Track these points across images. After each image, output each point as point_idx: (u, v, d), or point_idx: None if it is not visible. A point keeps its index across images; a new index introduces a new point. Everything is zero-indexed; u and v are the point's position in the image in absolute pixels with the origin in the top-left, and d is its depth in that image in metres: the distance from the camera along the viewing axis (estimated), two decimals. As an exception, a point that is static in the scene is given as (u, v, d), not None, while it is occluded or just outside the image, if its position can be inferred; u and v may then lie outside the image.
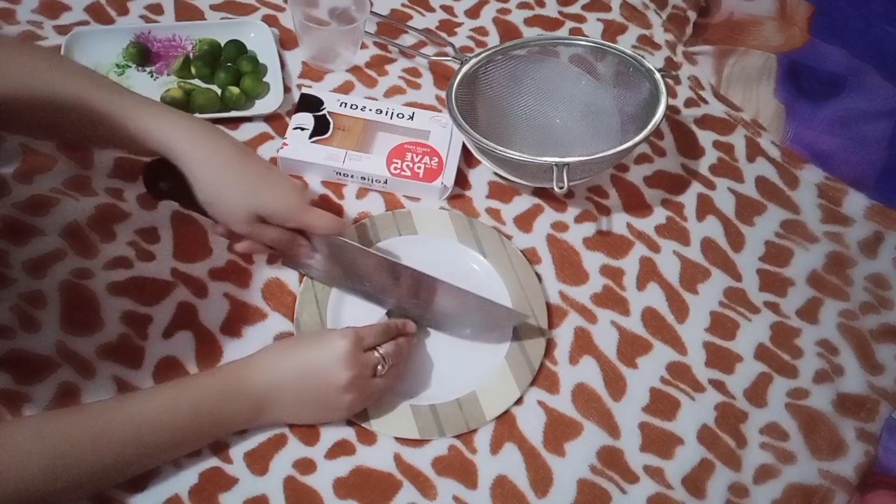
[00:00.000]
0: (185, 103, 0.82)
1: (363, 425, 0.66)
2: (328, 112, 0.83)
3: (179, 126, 0.65)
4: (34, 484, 0.52)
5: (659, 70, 0.80)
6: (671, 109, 0.92)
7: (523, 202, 0.83)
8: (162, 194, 0.70)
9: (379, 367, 0.63)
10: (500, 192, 0.83)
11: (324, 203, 0.80)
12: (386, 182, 0.80)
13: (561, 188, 0.72)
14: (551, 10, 1.01)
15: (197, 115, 0.82)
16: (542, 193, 0.83)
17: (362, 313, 0.72)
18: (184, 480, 0.62)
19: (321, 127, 0.82)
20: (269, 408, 0.62)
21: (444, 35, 0.94)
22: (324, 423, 0.66)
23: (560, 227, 0.81)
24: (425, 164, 0.81)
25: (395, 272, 0.71)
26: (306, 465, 0.64)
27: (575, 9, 1.02)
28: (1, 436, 0.53)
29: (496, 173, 0.83)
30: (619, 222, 0.83)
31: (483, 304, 0.70)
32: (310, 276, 0.73)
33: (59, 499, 0.55)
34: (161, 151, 0.65)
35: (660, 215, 0.84)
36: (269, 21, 0.92)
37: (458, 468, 0.66)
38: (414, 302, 0.71)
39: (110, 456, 0.56)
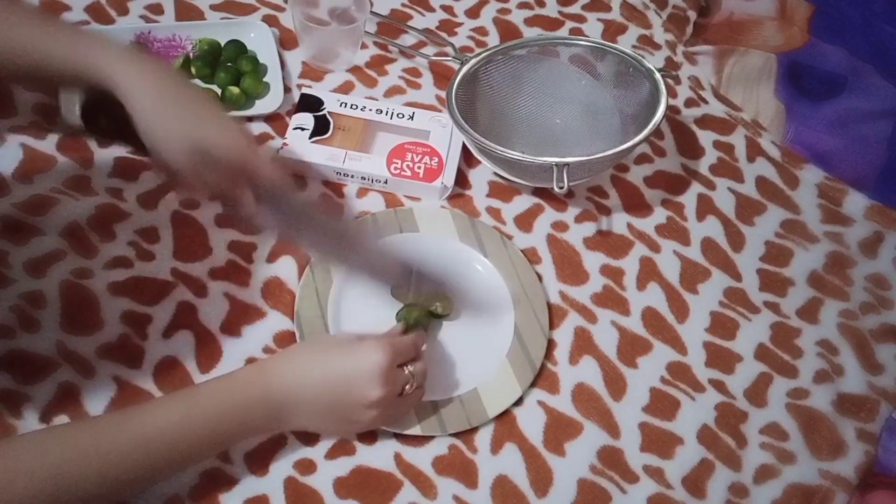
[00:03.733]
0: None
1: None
2: (328, 112, 0.83)
3: (119, 55, 0.61)
4: (39, 500, 0.50)
5: (659, 70, 0.80)
6: (671, 109, 0.92)
7: (523, 202, 0.83)
8: (101, 132, 0.67)
9: (407, 386, 0.61)
10: (501, 191, 0.83)
11: (324, 203, 0.80)
12: (386, 182, 0.80)
13: (561, 188, 0.72)
14: (551, 10, 1.01)
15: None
16: (543, 193, 0.83)
17: (363, 308, 0.72)
18: (184, 480, 0.62)
19: (321, 127, 0.82)
20: (287, 415, 0.59)
21: (444, 35, 0.94)
22: (337, 435, 0.65)
23: (560, 226, 0.81)
24: (425, 164, 0.81)
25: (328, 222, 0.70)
26: (306, 466, 0.64)
27: (575, 9, 1.02)
28: (4, 451, 0.51)
29: (496, 173, 0.83)
30: (620, 222, 0.83)
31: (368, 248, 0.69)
32: (252, 231, 0.71)
33: None
34: (100, 80, 0.61)
35: (660, 215, 0.84)
36: (269, 21, 0.92)
37: (459, 468, 0.66)
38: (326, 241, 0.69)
39: (118, 471, 0.54)
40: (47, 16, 0.63)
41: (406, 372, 0.61)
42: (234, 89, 0.83)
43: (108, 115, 0.64)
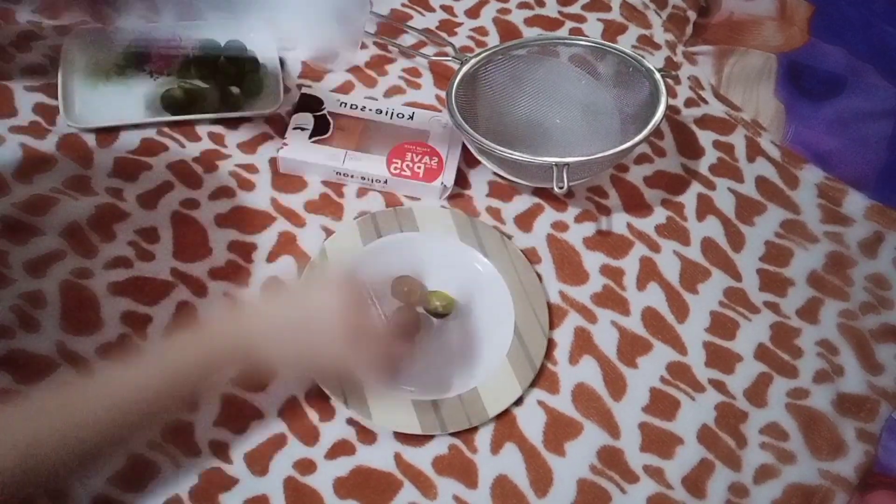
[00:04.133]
0: (185, 103, 0.82)
1: (364, 420, 0.66)
2: (328, 112, 0.84)
3: None
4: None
5: (659, 70, 0.80)
6: (671, 109, 0.92)
7: (523, 202, 0.83)
8: None
9: (373, 311, 0.62)
10: (501, 191, 0.83)
11: (324, 203, 0.80)
12: (386, 182, 0.80)
13: (561, 188, 0.72)
14: (551, 10, 1.01)
15: (198, 115, 0.82)
16: (542, 193, 0.83)
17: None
18: (184, 480, 0.62)
19: (321, 127, 0.82)
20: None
21: (444, 35, 0.94)
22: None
23: (560, 226, 0.82)
24: (425, 163, 0.81)
25: None
26: (306, 466, 0.64)
27: (575, 9, 1.02)
28: None
29: (496, 173, 0.83)
30: (619, 222, 0.83)
31: None
32: None
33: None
34: None
35: (660, 215, 0.84)
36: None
37: (459, 468, 0.66)
38: None
39: (89, 426, 0.54)
40: None
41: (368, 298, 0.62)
42: (234, 89, 0.83)
43: None
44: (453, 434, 0.67)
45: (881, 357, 0.77)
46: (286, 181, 0.80)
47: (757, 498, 0.68)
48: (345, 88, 0.89)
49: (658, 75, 0.79)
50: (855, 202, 0.87)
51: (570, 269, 0.79)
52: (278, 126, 0.84)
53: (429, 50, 0.93)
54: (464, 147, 0.83)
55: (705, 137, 0.91)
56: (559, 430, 0.69)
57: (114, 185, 0.77)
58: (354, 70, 0.91)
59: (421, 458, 0.66)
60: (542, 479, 0.66)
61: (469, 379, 0.70)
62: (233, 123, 0.83)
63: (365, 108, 0.84)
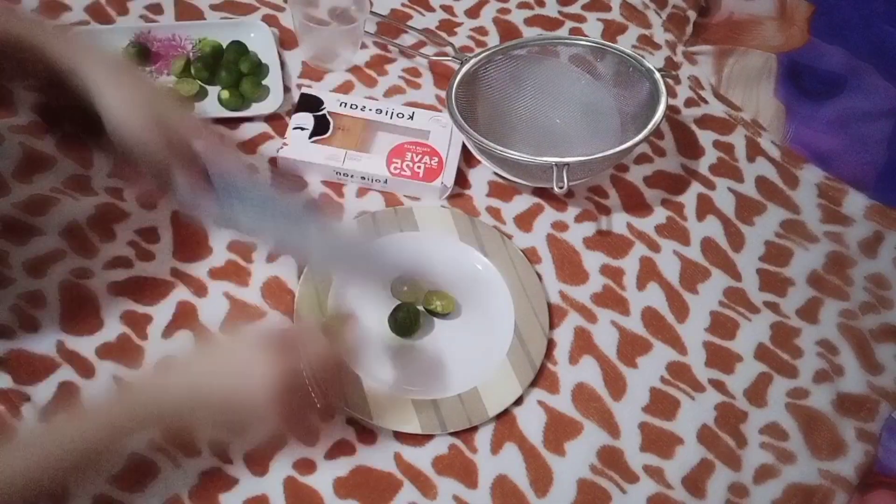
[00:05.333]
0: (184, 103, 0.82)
1: (364, 419, 0.66)
2: (328, 112, 0.83)
3: (84, 47, 0.64)
4: None
5: (659, 70, 0.80)
6: (671, 109, 0.92)
7: (523, 202, 0.83)
8: (60, 126, 0.67)
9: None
10: (500, 191, 0.83)
11: (324, 203, 0.80)
12: (386, 182, 0.80)
13: (561, 188, 0.72)
14: (551, 10, 1.01)
15: (198, 115, 0.82)
16: (542, 193, 0.83)
17: (365, 305, 0.72)
18: (184, 481, 0.62)
19: (321, 127, 0.82)
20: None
21: (444, 35, 0.94)
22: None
23: (560, 226, 0.81)
24: (425, 163, 0.81)
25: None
26: (306, 465, 0.64)
27: (575, 9, 1.02)
28: None
29: (496, 173, 0.83)
30: (619, 222, 0.83)
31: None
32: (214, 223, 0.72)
33: None
34: (66, 67, 0.62)
35: (660, 215, 0.84)
36: (269, 21, 0.92)
37: (459, 468, 0.66)
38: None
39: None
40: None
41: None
42: (225, 93, 0.83)
43: (71, 117, 0.65)
44: (453, 434, 0.67)
45: (881, 357, 0.77)
46: (286, 181, 0.80)
47: (757, 498, 0.68)
48: (345, 88, 0.89)
49: (658, 75, 0.79)
50: (855, 202, 0.87)
51: (570, 268, 0.79)
52: (278, 126, 0.84)
53: (429, 50, 0.93)
54: (464, 147, 0.83)
55: (705, 137, 0.91)
56: (559, 430, 0.69)
57: (114, 185, 0.77)
58: (354, 70, 0.91)
59: (421, 457, 0.66)
60: (542, 478, 0.66)
61: (469, 378, 0.70)
62: (233, 123, 0.83)
63: (365, 108, 0.84)
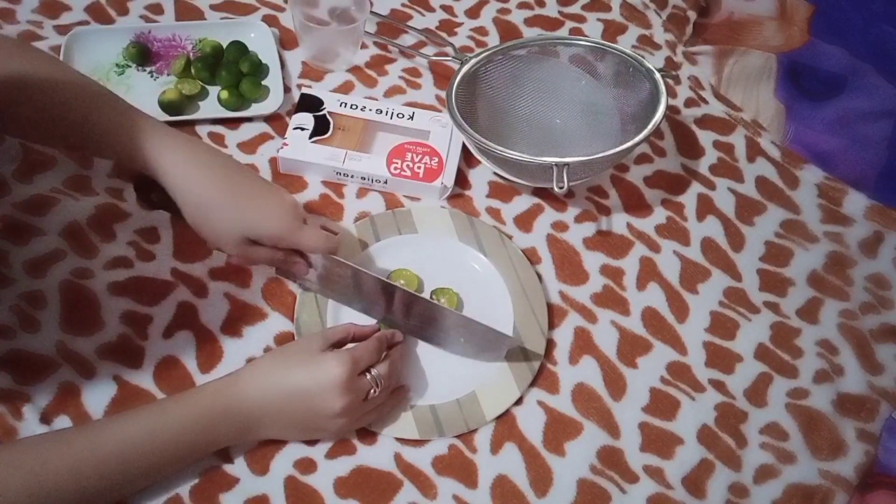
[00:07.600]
0: (179, 105, 0.82)
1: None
2: (328, 112, 0.84)
3: (167, 146, 0.63)
4: None
5: (659, 70, 0.80)
6: (671, 109, 0.92)
7: (523, 202, 0.83)
8: (154, 205, 0.69)
9: (372, 391, 0.62)
10: (500, 191, 0.83)
11: (324, 203, 0.80)
12: (386, 182, 0.80)
13: (561, 188, 0.72)
14: (551, 10, 1.01)
15: (198, 115, 0.82)
16: (542, 193, 0.83)
17: (362, 314, 0.72)
18: (184, 480, 0.62)
19: (321, 127, 0.82)
20: (256, 428, 0.61)
21: (444, 35, 0.94)
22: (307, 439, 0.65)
23: (560, 226, 0.82)
24: (425, 164, 0.81)
25: (389, 291, 0.69)
26: (307, 465, 0.64)
27: (575, 9, 1.02)
28: None
29: (496, 173, 0.83)
30: (619, 222, 0.83)
31: (477, 328, 0.69)
32: (305, 288, 0.72)
33: None
34: (149, 171, 0.64)
35: (660, 215, 0.84)
36: (269, 21, 0.92)
37: (459, 468, 0.66)
38: (407, 320, 0.70)
39: (93, 482, 0.55)
40: (94, 87, 0.65)
41: (368, 378, 0.62)
42: (225, 93, 0.83)
43: (159, 192, 0.66)
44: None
45: (881, 357, 0.77)
46: (286, 181, 0.80)
47: (757, 498, 0.68)
48: (345, 88, 0.89)
49: (658, 75, 0.79)
50: (855, 202, 0.87)
51: (569, 269, 0.79)
52: (278, 126, 0.84)
53: (429, 50, 0.93)
54: (464, 147, 0.83)
55: (705, 137, 0.91)
56: (559, 430, 0.69)
57: (114, 185, 0.77)
58: (354, 70, 0.91)
59: (421, 458, 0.66)
60: (542, 479, 0.66)
61: (467, 381, 0.69)
62: (233, 123, 0.83)
63: (365, 108, 0.84)
